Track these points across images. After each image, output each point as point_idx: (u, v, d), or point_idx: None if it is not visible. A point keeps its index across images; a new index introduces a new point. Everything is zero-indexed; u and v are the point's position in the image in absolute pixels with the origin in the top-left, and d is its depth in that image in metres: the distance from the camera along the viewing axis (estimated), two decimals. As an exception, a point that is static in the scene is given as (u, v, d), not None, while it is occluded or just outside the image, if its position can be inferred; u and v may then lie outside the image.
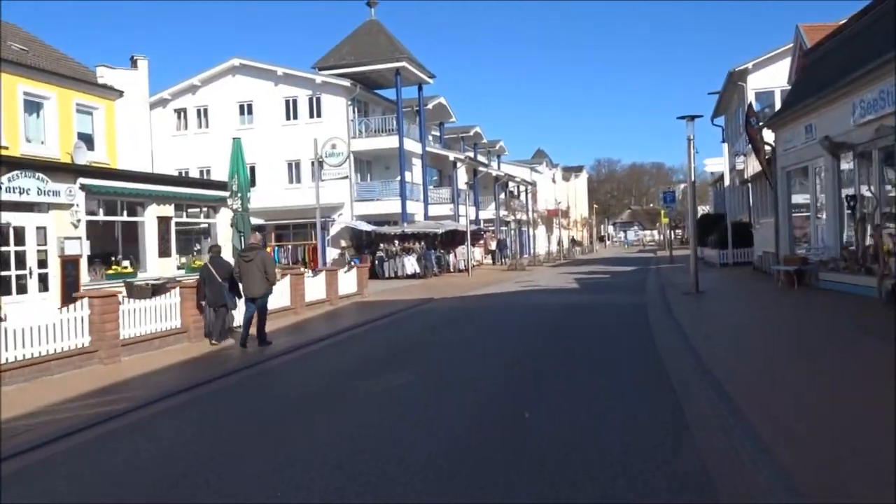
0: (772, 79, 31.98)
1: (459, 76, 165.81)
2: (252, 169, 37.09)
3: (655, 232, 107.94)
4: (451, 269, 38.05)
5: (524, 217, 52.88)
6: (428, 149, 40.96)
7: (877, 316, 11.95)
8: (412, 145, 38.41)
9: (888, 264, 13.60)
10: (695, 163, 19.83)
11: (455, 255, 38.36)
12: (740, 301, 17.07)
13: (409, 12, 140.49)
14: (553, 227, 57.19)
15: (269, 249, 35.99)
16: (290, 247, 35.86)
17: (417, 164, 40.12)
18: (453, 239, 39.13)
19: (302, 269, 23.74)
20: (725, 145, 31.26)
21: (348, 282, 21.90)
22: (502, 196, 51.74)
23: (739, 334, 11.99)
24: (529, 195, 61.22)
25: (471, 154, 50.78)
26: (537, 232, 61.45)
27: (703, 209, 67.94)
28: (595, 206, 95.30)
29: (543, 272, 36.54)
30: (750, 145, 24.61)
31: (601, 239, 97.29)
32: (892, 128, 13.75)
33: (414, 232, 34.95)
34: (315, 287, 19.34)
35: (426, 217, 39.45)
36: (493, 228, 51.13)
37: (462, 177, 48.03)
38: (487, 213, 50.06)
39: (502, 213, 50.36)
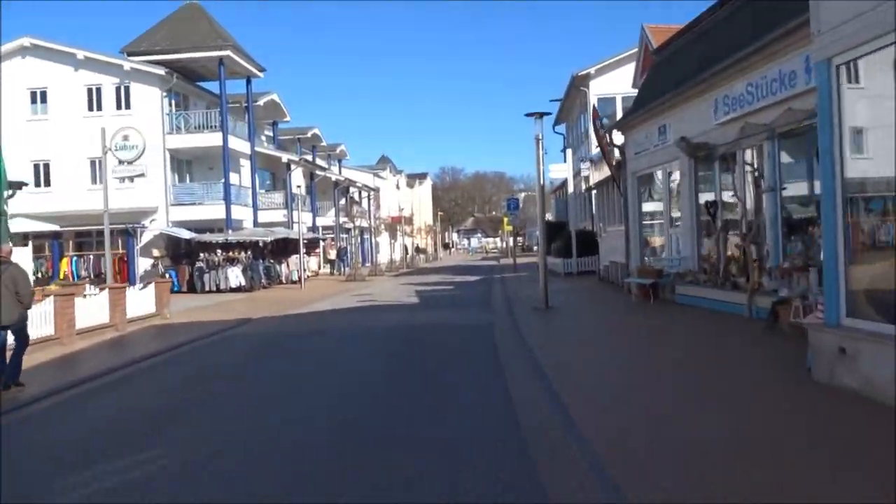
0: (613, 85, 31.20)
1: (298, 76, 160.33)
2: (45, 166, 31.66)
3: (498, 239, 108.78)
4: (284, 281, 34.40)
5: (366, 224, 49.92)
6: (259, 149, 37.02)
7: (755, 340, 10.11)
8: (240, 144, 34.39)
9: (757, 278, 11.94)
10: (544, 165, 17.81)
11: (288, 266, 34.74)
12: (595, 320, 15.05)
13: (241, 5, 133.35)
14: (397, 234, 54.78)
15: (65, 260, 30.82)
16: (91, 257, 30.68)
17: (246, 165, 36.09)
18: (286, 247, 35.50)
19: (88, 285, 19.42)
20: (570, 151, 30.11)
21: (143, 300, 17.92)
22: (343, 202, 48.52)
23: (602, 368, 9.66)
24: (372, 201, 58.38)
25: (308, 157, 47.17)
26: (380, 239, 58.71)
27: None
28: (440, 213, 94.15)
29: (384, 283, 33.80)
30: (597, 150, 23.18)
31: (446, 246, 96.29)
32: (762, 126, 12.13)
33: (240, 240, 31.04)
34: (93, 309, 15.33)
35: (256, 224, 35.50)
36: (332, 236, 47.78)
37: (298, 180, 44.33)
38: (326, 219, 46.66)
39: (342, 219, 47.13)
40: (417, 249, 69.08)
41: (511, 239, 69.50)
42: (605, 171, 25.53)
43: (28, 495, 5.37)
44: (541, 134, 17.43)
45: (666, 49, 18.14)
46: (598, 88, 31.56)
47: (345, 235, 48.64)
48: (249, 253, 31.19)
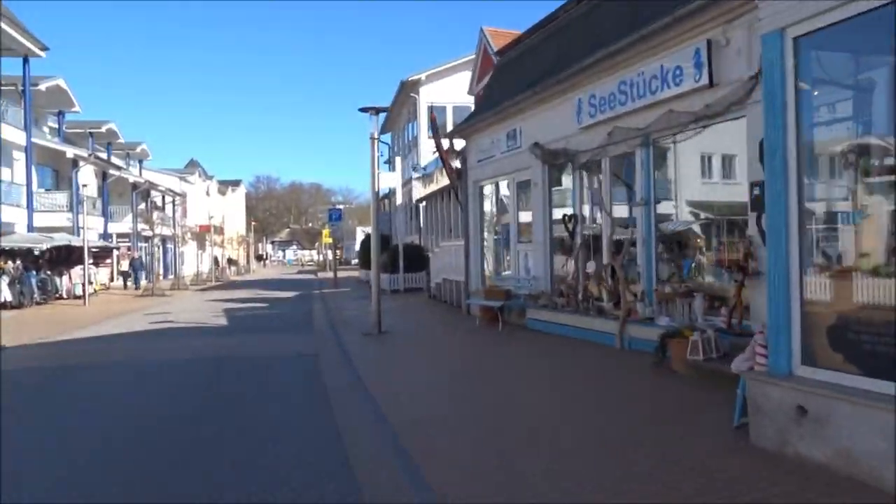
0: (445, 93, 29.60)
1: (96, 69, 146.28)
2: None
3: (315, 252, 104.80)
4: (66, 296, 29.13)
5: (170, 232, 44.69)
6: (38, 140, 31.37)
7: (642, 380, 8.29)
8: (13, 133, 28.77)
9: (629, 304, 10.27)
10: (378, 167, 15.40)
11: (70, 278, 29.48)
12: (441, 350, 12.71)
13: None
14: (206, 244, 49.81)
15: None
16: None
17: (21, 158, 30.39)
18: (70, 257, 30.22)
19: None
20: (398, 160, 28.05)
21: None
22: (142, 206, 43.08)
23: (470, 425, 7.33)
24: (178, 208, 52.82)
25: (103, 154, 41.32)
26: (186, 250, 53.23)
27: (363, 231, 65.73)
28: (253, 223, 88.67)
29: (188, 299, 29.62)
30: (432, 158, 21.22)
31: (259, 258, 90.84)
32: (635, 130, 10.55)
33: (9, 247, 25.64)
34: None
35: (31, 228, 29.94)
36: (129, 244, 42.20)
37: (88, 180, 38.55)
38: (122, 226, 41.11)
39: (141, 226, 41.71)
40: (229, 261, 63.87)
41: (330, 252, 66.46)
42: (437, 182, 23.68)
43: None
44: (376, 132, 15.02)
45: (513, 49, 16.47)
46: (429, 96, 29.79)
47: (144, 244, 43.19)
48: (19, 263, 25.84)
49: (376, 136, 15.09)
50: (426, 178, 23.59)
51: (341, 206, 52.67)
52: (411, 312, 19.23)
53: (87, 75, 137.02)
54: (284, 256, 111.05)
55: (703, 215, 10.68)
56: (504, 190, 15.75)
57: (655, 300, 9.83)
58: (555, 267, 13.53)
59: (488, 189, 16.83)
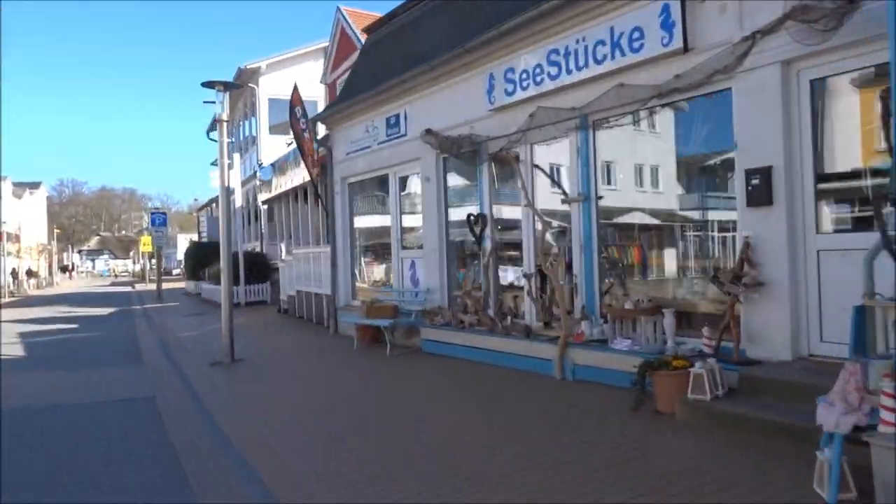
0: (288, 86, 26.46)
1: None
2: None
3: (130, 262, 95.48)
4: None
5: (-50, 240, 37.44)
6: None
7: (625, 431, 6.18)
8: None
9: (570, 320, 8.22)
10: (228, 157, 12.37)
11: None
12: (320, 385, 9.85)
13: None
14: (-3, 254, 42.41)
15: None
16: None
17: None
18: None
19: None
20: (237, 157, 24.54)
21: None
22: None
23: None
24: (-39, 212, 44.75)
25: None
26: (-28, 260, 45.23)
27: (186, 238, 59.85)
28: (57, 230, 78.66)
29: (-28, 320, 24.12)
30: (287, 150, 18.28)
31: (64, 269, 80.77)
32: (569, 111, 8.55)
33: None
34: None
35: None
36: None
37: None
38: None
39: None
40: (29, 273, 55.56)
41: (150, 261, 60.19)
42: (285, 181, 20.69)
43: None
44: (225, 113, 12.00)
45: (386, 25, 14.04)
46: (270, 87, 26.54)
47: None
48: None
49: (225, 117, 12.06)
50: (274, 175, 20.50)
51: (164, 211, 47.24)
52: (265, 332, 16.14)
53: None
54: (94, 267, 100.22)
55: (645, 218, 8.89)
56: (386, 186, 13.24)
57: (610, 318, 7.83)
58: (452, 278, 11.27)
59: (362, 185, 14.23)
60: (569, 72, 8.45)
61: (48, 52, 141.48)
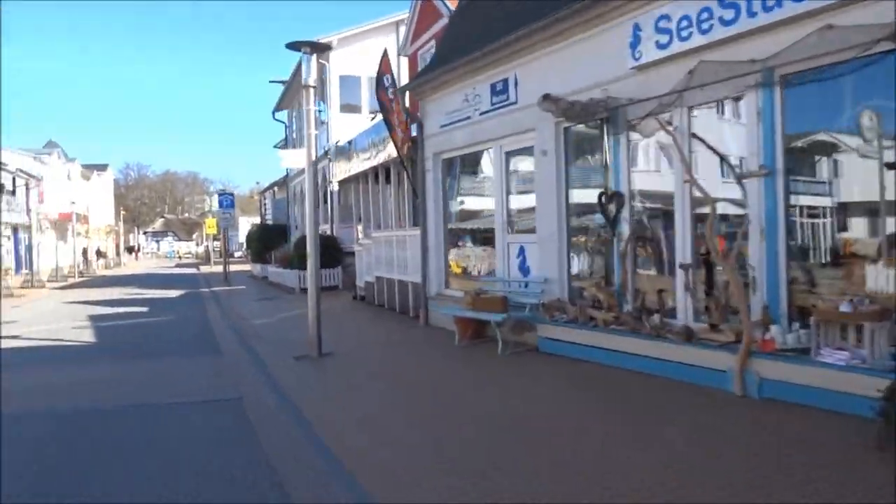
0: (359, 63, 25.13)
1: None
2: None
3: (193, 244, 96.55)
4: None
5: (22, 220, 37.34)
6: None
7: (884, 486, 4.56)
8: None
9: (748, 326, 6.56)
10: (320, 123, 11.03)
11: None
12: (426, 387, 8.43)
13: None
14: (68, 234, 42.49)
15: None
16: None
17: None
18: None
19: None
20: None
21: None
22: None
23: None
24: (32, 192, 45.01)
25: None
26: (43, 240, 45.56)
27: (248, 221, 59.43)
28: (122, 212, 79.66)
29: (43, 301, 23.63)
30: (368, 126, 16.93)
31: (130, 250, 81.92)
32: (749, 63, 6.84)
33: None
34: None
35: None
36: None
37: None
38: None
39: (-15, 213, 34.39)
40: (98, 253, 56.10)
41: (216, 243, 60.11)
42: (361, 161, 19.35)
43: None
44: (312, 78, 10.67)
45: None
46: (340, 65, 25.25)
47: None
48: None
49: (312, 82, 10.73)
50: (349, 154, 19.15)
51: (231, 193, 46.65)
52: (346, 321, 14.83)
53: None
54: (159, 248, 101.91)
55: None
56: (487, 162, 11.72)
57: (814, 322, 6.14)
58: (569, 264, 9.69)
59: (461, 162, 12.73)
60: (751, 14, 6.73)
61: (114, 42, 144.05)
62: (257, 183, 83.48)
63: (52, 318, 17.17)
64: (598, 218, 9.12)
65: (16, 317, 17.86)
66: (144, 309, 19.53)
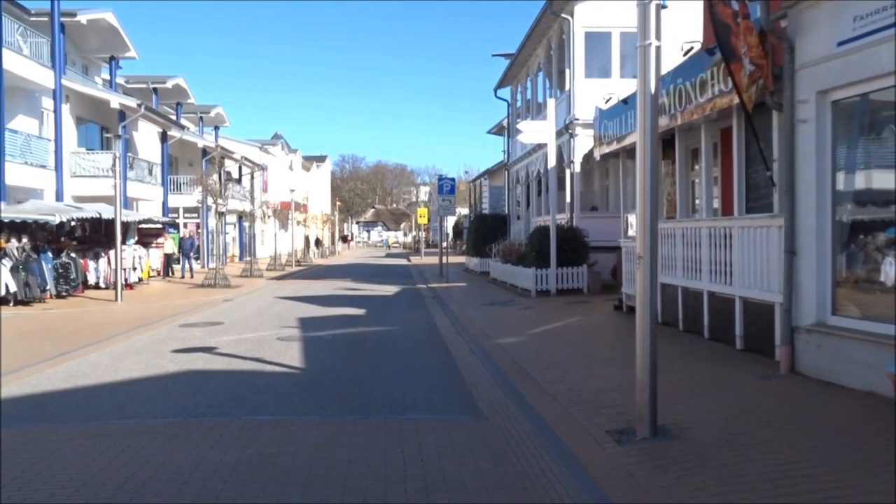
0: (608, 14, 20.16)
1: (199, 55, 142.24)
2: None
3: (401, 233, 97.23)
4: (104, 285, 21.45)
5: (247, 208, 36.83)
6: (73, 84, 23.60)
7: None
8: (35, 71, 21.05)
9: None
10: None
11: (109, 262, 21.67)
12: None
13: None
14: (288, 223, 42.07)
15: None
16: None
17: (50, 106, 22.72)
18: (111, 235, 22.50)
19: None
20: (551, 103, 18.77)
21: None
22: (214, 177, 35.40)
23: None
24: (259, 181, 45.24)
25: (171, 115, 33.66)
26: (265, 228, 45.70)
27: (462, 212, 56.71)
28: (338, 202, 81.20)
29: (255, 294, 21.38)
30: (614, 94, 11.89)
31: (344, 239, 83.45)
32: None
33: (18, 219, 17.89)
34: None
35: (60, 196, 22.33)
36: (198, 221, 34.68)
37: (149, 142, 31.03)
38: (191, 199, 33.41)
39: (213, 201, 34.00)
40: (316, 242, 56.35)
41: (423, 233, 58.13)
42: (612, 140, 14.31)
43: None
44: (651, 21, 5.87)
45: None
46: (586, 18, 20.45)
47: (215, 221, 35.56)
48: (25, 242, 18.02)
49: (654, 41, 5.98)
50: (621, 118, 14.32)
51: (426, 188, 43.43)
52: (630, 354, 9.98)
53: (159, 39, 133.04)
54: (369, 237, 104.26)
55: None
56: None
57: None
58: None
59: (860, 106, 7.40)
60: None
61: (339, 45, 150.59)
62: (465, 172, 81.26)
63: (258, 322, 14.16)
64: None
65: (221, 317, 15.15)
66: (361, 312, 16.11)
